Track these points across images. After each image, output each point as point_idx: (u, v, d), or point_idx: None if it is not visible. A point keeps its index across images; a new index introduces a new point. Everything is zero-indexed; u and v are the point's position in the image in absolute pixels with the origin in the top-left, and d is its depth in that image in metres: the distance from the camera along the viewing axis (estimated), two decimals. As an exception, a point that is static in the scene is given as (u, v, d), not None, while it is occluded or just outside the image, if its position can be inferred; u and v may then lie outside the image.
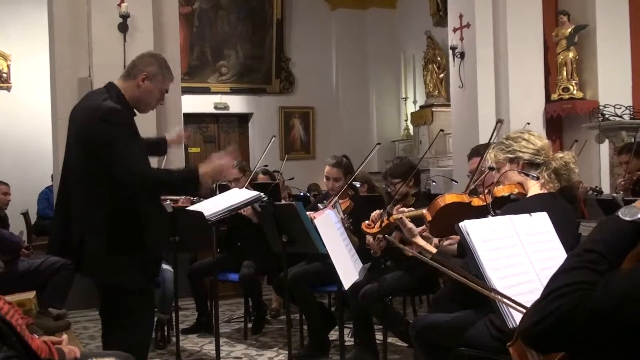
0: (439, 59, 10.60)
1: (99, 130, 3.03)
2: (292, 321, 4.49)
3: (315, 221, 3.51)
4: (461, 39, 8.10)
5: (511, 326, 2.05)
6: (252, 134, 12.14)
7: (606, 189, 6.96)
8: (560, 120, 8.19)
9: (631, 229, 1.38)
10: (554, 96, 8.10)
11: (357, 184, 4.74)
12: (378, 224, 3.34)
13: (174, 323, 4.65)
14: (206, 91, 11.49)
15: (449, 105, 9.25)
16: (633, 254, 1.36)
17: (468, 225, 2.18)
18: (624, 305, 1.23)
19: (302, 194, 6.85)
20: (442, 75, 10.53)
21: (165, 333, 5.03)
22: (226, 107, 11.81)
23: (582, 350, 1.31)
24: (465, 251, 2.26)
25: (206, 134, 11.79)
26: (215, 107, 11.71)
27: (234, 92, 11.77)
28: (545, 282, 2.13)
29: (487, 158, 3.00)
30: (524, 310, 1.61)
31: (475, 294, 2.01)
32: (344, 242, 3.56)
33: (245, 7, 11.64)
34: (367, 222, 3.42)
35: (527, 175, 2.80)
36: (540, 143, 2.87)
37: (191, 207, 4.07)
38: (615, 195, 4.99)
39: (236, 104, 11.89)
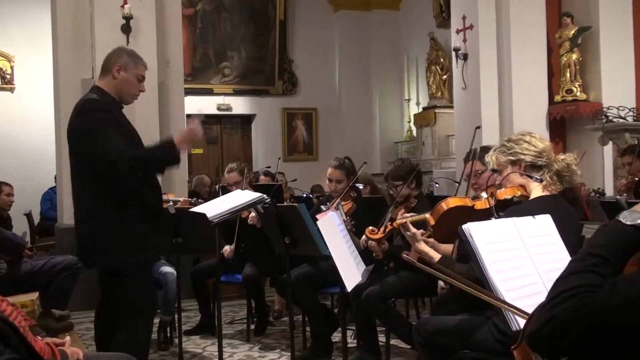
0: (442, 60, 10.60)
1: (77, 122, 3.29)
2: (295, 323, 4.49)
3: (318, 223, 3.51)
4: (464, 40, 8.09)
5: (514, 329, 2.05)
6: (255, 135, 12.15)
7: (609, 191, 6.94)
8: (564, 122, 8.17)
9: (633, 232, 1.38)
10: (557, 98, 8.08)
11: (360, 186, 4.74)
12: (382, 229, 3.33)
13: (176, 324, 4.65)
14: (209, 92, 11.51)
15: (452, 107, 9.24)
16: (637, 257, 1.37)
17: (471, 228, 2.18)
18: (629, 307, 1.23)
19: (304, 195, 6.84)
20: (445, 76, 10.52)
21: (168, 334, 5.04)
22: (229, 109, 11.82)
23: (588, 354, 1.30)
24: (468, 254, 2.26)
25: (209, 135, 11.80)
26: (218, 109, 11.73)
27: (236, 93, 11.79)
28: (548, 284, 2.14)
29: (488, 161, 2.98)
30: (528, 314, 1.61)
31: (479, 299, 2.01)
32: (346, 243, 3.56)
33: (248, 8, 11.66)
34: (370, 227, 3.41)
35: (530, 177, 2.79)
36: (542, 145, 2.86)
37: (194, 209, 4.07)
38: (618, 197, 4.98)
39: (239, 105, 11.90)
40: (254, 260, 5.19)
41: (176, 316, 4.62)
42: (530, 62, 7.88)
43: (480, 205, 3.01)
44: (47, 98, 7.70)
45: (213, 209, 3.84)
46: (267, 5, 11.71)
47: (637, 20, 8.01)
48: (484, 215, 2.81)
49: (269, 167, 6.83)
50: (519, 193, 2.81)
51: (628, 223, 1.39)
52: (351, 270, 3.46)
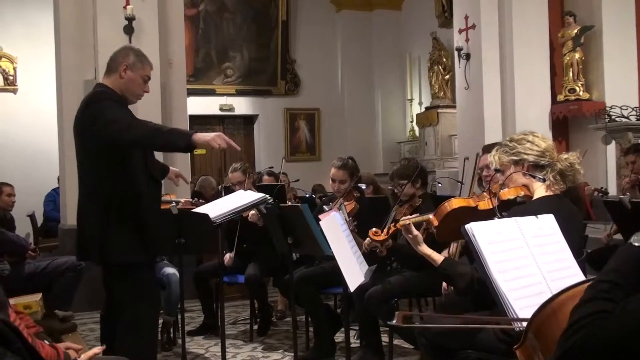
0: (444, 60, 10.59)
1: (85, 114, 3.28)
2: (298, 323, 4.49)
3: (321, 223, 3.50)
4: (467, 40, 8.09)
5: (517, 329, 2.04)
6: (257, 136, 12.15)
7: (612, 190, 6.94)
8: (567, 122, 8.17)
9: None
10: (560, 97, 8.08)
11: (363, 186, 4.74)
12: (385, 230, 3.33)
13: (179, 325, 4.65)
14: (212, 93, 11.51)
15: (454, 107, 9.24)
16: None
17: (474, 227, 2.17)
18: None
19: (307, 195, 6.84)
20: (447, 76, 10.51)
21: (171, 335, 5.04)
22: (231, 109, 11.83)
23: None
24: (472, 254, 2.25)
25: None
26: (221, 109, 11.73)
27: (239, 93, 11.79)
28: (551, 284, 2.14)
29: (491, 160, 2.98)
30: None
31: (483, 299, 2.01)
32: (349, 244, 3.56)
33: (250, 8, 11.66)
34: (374, 229, 3.41)
35: (533, 177, 2.79)
36: (545, 144, 2.84)
37: (197, 210, 4.07)
38: (621, 196, 4.97)
39: (241, 105, 11.91)
40: (256, 261, 5.19)
41: (179, 317, 4.62)
42: (533, 62, 7.88)
43: (483, 205, 3.00)
44: (50, 99, 7.71)
45: (216, 209, 3.83)
46: (269, 6, 11.71)
47: (640, 19, 8.01)
48: (487, 215, 2.80)
49: (272, 167, 6.83)
50: (522, 193, 2.80)
51: (636, 245, 1.43)
52: (354, 270, 3.46)
